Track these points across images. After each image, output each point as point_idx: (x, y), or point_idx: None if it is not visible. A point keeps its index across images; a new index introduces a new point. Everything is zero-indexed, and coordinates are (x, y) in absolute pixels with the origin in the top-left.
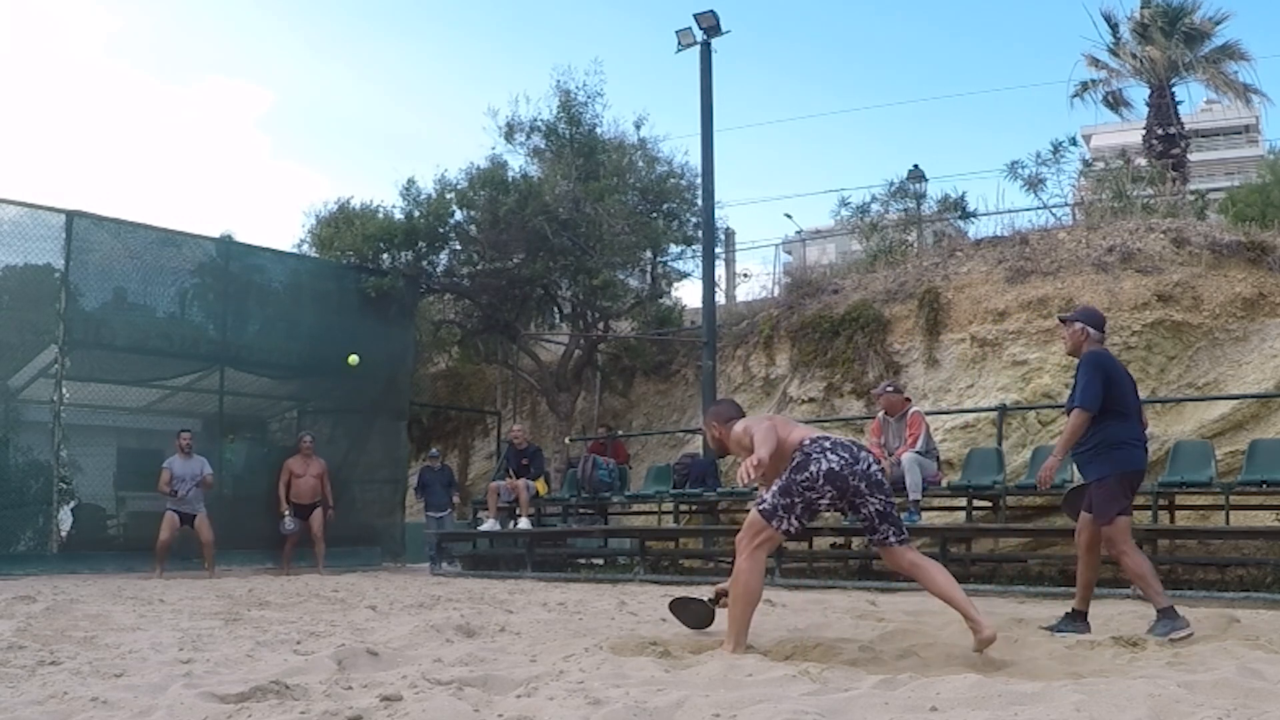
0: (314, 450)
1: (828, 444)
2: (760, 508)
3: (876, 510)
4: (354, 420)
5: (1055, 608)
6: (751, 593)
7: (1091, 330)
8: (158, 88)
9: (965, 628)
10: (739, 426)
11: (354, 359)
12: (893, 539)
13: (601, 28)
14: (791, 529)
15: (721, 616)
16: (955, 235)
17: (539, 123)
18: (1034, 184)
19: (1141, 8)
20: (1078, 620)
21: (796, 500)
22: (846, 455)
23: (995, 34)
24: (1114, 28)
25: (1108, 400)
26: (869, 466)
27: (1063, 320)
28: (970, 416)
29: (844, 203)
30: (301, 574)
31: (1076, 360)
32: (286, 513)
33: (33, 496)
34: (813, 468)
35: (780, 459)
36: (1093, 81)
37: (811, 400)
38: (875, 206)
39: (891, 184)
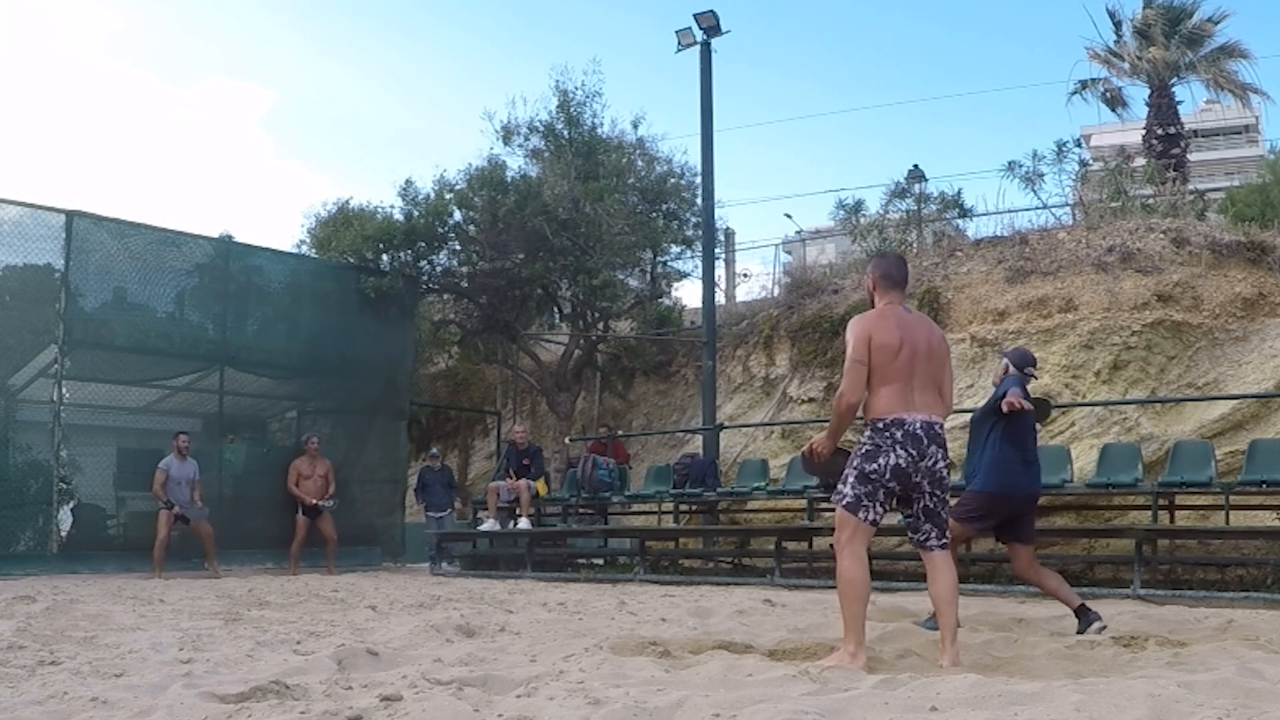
0: (320, 451)
1: (900, 434)
2: (844, 503)
3: (925, 507)
4: (354, 420)
5: (1056, 607)
6: (857, 589)
7: (1012, 367)
8: (158, 88)
9: (966, 629)
10: (863, 322)
11: None
12: (933, 542)
13: (601, 28)
14: (878, 518)
15: None
16: (955, 235)
17: (537, 123)
18: (1032, 180)
19: (1144, 8)
20: (1088, 613)
21: (877, 488)
22: (915, 451)
23: (995, 33)
24: (1118, 26)
25: (998, 423)
26: (935, 463)
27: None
28: (970, 416)
29: (841, 204)
30: (302, 574)
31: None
32: (314, 502)
33: (33, 496)
34: (881, 460)
35: (870, 386)
36: (1092, 80)
37: (811, 400)
38: (873, 207)
39: (896, 184)
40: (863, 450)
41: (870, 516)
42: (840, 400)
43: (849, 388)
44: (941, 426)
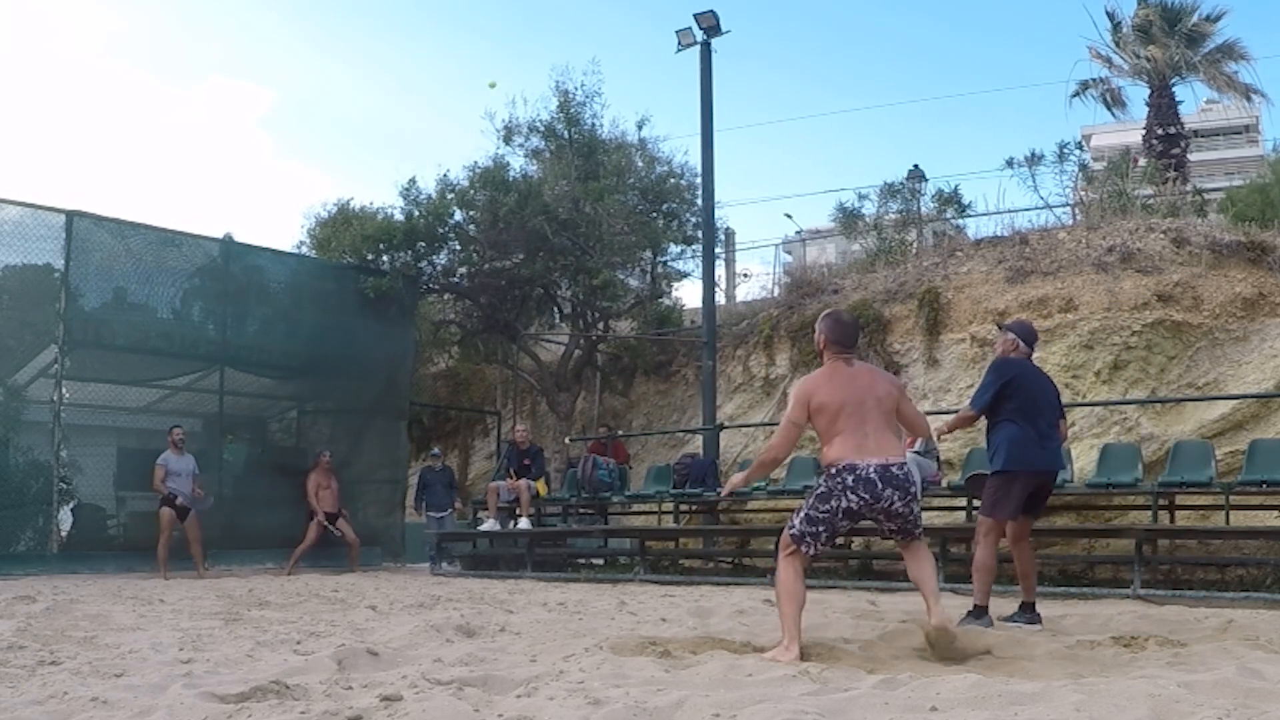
0: (331, 465)
1: (851, 479)
2: (790, 531)
3: (892, 529)
4: (353, 420)
5: (1055, 608)
6: (788, 592)
7: (1022, 343)
8: (158, 88)
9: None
10: (806, 384)
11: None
12: (904, 538)
13: (601, 28)
14: (818, 552)
15: None
16: (955, 235)
17: (538, 123)
18: (1031, 166)
19: (1139, 8)
20: (1028, 612)
21: (821, 529)
22: (868, 494)
23: (995, 33)
24: (1116, 26)
25: (1004, 405)
26: (891, 504)
27: (999, 327)
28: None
29: (841, 206)
30: (302, 574)
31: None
32: (323, 524)
33: (33, 496)
34: (834, 503)
35: (824, 440)
36: (1093, 81)
37: None
38: (870, 205)
39: (892, 184)
40: (818, 492)
41: (810, 551)
42: (767, 452)
43: (778, 444)
44: (900, 467)
